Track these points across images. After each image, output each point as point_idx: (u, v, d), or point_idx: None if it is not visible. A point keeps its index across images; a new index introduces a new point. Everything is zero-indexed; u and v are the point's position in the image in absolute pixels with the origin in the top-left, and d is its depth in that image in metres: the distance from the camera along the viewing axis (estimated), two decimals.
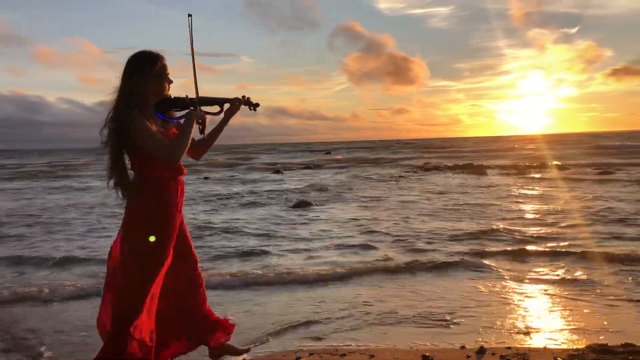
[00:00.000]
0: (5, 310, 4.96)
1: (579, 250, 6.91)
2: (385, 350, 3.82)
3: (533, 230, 8.53)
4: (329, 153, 55.79)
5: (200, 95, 2.92)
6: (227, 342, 3.27)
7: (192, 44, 2.88)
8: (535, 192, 14.48)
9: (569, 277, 5.78)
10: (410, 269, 6.21)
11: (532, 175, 20.74)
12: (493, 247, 7.31)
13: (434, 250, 7.30)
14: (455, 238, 8.05)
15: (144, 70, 2.73)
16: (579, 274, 5.90)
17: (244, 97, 3.07)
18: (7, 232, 9.61)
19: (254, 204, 13.44)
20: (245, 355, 3.40)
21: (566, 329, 4.22)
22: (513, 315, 4.59)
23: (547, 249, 7.06)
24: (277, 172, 27.27)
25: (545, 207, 11.40)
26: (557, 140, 73.34)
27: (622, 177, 18.22)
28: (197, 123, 2.88)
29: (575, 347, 3.77)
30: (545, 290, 5.31)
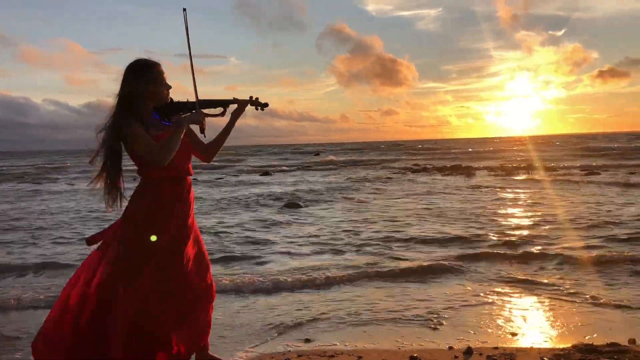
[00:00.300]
0: None
1: (564, 252, 6.98)
2: (373, 351, 3.83)
3: (519, 233, 8.59)
4: (318, 155, 55.83)
5: (202, 98, 2.93)
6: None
7: (188, 39, 2.88)
8: (522, 194, 14.58)
9: (555, 278, 5.83)
10: (397, 271, 6.22)
11: (519, 177, 20.89)
12: (479, 250, 7.34)
13: (420, 252, 7.33)
14: (441, 240, 8.08)
15: (141, 76, 2.82)
16: (564, 275, 5.95)
17: (251, 97, 3.09)
18: None
19: (242, 206, 13.41)
20: None
21: (552, 329, 4.26)
22: (499, 316, 4.61)
23: (533, 251, 7.11)
24: (266, 173, 27.24)
25: (531, 209, 11.48)
26: (545, 142, 73.95)
27: (608, 179, 18.41)
28: (198, 124, 2.90)
29: (561, 346, 3.80)
30: (531, 291, 5.34)
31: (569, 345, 3.80)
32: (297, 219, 10.90)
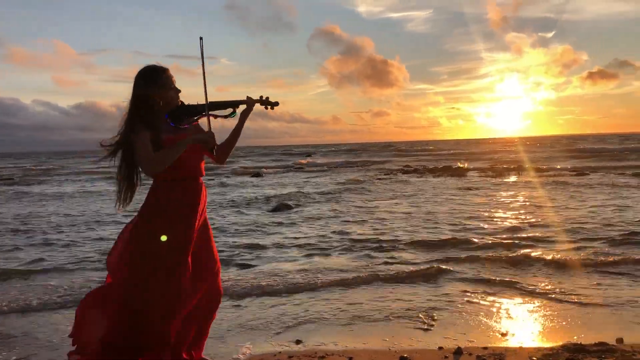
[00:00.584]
0: None
1: (553, 253, 7.03)
2: (364, 351, 3.84)
3: (509, 235, 8.64)
4: (309, 156, 55.84)
5: (211, 100, 2.98)
6: None
7: (203, 65, 2.95)
8: (511, 196, 14.66)
9: (543, 279, 5.88)
10: (388, 273, 6.24)
11: (510, 179, 21.00)
12: (469, 251, 7.38)
13: (410, 254, 7.35)
14: (431, 242, 8.10)
15: (151, 81, 2.92)
16: (552, 276, 6.00)
17: (261, 97, 3.12)
18: None
19: (232, 208, 13.38)
20: None
21: (541, 330, 4.30)
22: (489, 317, 4.65)
23: (522, 253, 7.15)
24: (257, 175, 27.21)
25: (520, 210, 11.56)
26: (535, 143, 74.39)
27: (597, 180, 18.55)
28: (205, 144, 2.94)
29: (550, 346, 3.84)
30: (520, 292, 5.38)
31: (558, 345, 3.83)
32: (288, 220, 10.90)
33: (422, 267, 6.42)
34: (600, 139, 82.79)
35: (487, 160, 35.17)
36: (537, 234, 8.40)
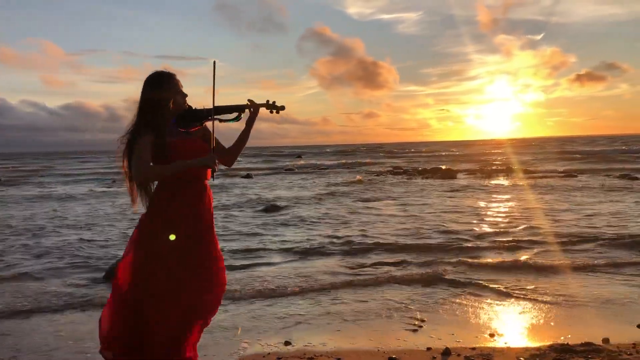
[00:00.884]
0: None
1: (540, 255, 7.09)
2: (352, 352, 3.86)
3: (497, 237, 8.68)
4: (299, 157, 55.85)
5: (217, 105, 2.99)
6: None
7: (213, 89, 2.97)
8: (500, 198, 14.75)
9: (530, 280, 5.92)
10: (376, 275, 6.26)
11: (499, 180, 21.13)
12: (457, 253, 7.42)
13: (399, 256, 7.37)
14: (420, 244, 8.13)
15: (157, 87, 2.96)
16: (539, 277, 6.04)
17: (268, 101, 3.12)
18: None
19: (222, 209, 13.35)
20: None
21: (528, 330, 4.33)
22: (477, 318, 4.67)
23: (509, 255, 7.20)
24: (247, 176, 27.16)
25: (509, 212, 11.63)
26: (524, 145, 74.88)
27: (585, 182, 18.70)
28: (207, 168, 2.97)
29: (537, 346, 3.87)
30: (508, 293, 5.41)
31: (545, 345, 3.87)
32: (276, 222, 10.89)
33: (410, 269, 6.45)
34: (589, 140, 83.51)
35: (477, 162, 35.33)
36: (525, 236, 8.45)
